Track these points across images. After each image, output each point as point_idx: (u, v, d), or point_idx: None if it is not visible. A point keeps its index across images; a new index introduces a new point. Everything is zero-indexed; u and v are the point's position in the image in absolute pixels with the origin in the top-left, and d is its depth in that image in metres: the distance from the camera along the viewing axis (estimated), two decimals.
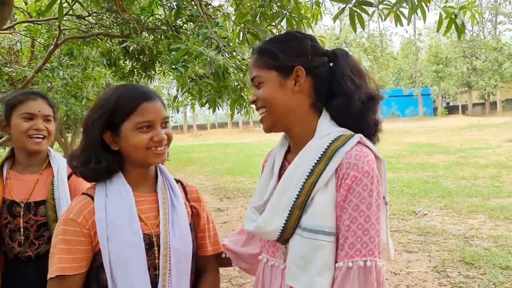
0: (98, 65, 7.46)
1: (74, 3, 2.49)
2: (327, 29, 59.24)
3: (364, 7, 2.33)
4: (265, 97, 1.21)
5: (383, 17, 2.49)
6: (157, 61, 6.40)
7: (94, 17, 6.22)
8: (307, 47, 1.23)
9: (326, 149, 1.16)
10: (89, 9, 5.45)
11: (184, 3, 3.82)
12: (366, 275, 1.07)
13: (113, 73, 7.01)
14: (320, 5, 3.59)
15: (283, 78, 1.21)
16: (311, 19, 3.01)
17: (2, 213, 1.70)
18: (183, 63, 3.35)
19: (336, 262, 1.12)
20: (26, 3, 6.84)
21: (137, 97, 1.26)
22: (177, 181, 1.44)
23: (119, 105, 1.25)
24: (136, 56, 6.32)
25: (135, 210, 1.26)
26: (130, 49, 5.66)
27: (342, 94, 1.21)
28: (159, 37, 5.88)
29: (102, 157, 1.26)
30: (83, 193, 1.30)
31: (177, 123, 68.72)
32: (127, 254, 1.21)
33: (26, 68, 6.60)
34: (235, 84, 3.63)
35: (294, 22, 2.75)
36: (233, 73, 3.46)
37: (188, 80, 3.48)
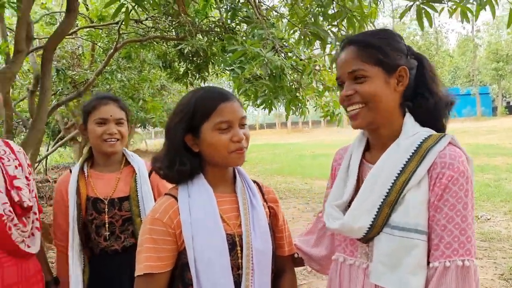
0: (154, 67, 7.68)
1: (137, 8, 2.58)
2: (378, 27, 57.90)
3: (432, 3, 2.23)
4: (369, 92, 1.17)
5: (448, 14, 2.38)
6: (210, 63, 6.51)
7: (151, 21, 6.41)
8: (404, 47, 1.23)
9: (417, 148, 1.15)
10: (147, 13, 5.62)
11: (240, 4, 3.84)
12: (464, 274, 1.05)
13: (168, 75, 7.19)
14: (378, 3, 3.50)
15: (388, 75, 1.19)
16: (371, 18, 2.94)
17: (87, 210, 1.80)
18: (239, 64, 3.37)
19: (428, 262, 1.10)
20: (87, 9, 7.16)
21: (215, 98, 1.28)
22: (254, 181, 1.45)
23: (198, 107, 1.27)
24: (191, 58, 6.46)
25: (218, 210, 1.28)
26: (185, 51, 5.78)
27: (428, 96, 1.21)
28: (212, 39, 5.96)
29: (185, 159, 1.29)
30: (166, 194, 1.34)
31: None
32: (211, 253, 1.23)
33: (88, 71, 6.91)
34: (290, 84, 3.62)
35: (356, 21, 2.69)
36: (289, 73, 3.45)
37: (244, 81, 3.51)
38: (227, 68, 3.73)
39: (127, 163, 1.91)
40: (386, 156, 1.19)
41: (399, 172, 1.14)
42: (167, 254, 1.24)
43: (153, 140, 40.53)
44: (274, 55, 3.13)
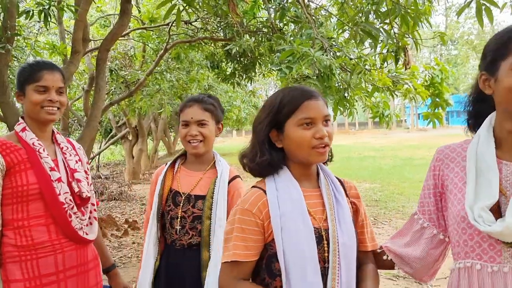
0: (202, 67, 7.81)
1: (188, 9, 2.63)
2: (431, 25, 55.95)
3: None
4: None
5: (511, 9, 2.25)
6: (257, 63, 6.53)
7: (199, 22, 6.52)
8: None
9: None
10: (197, 14, 5.72)
11: (289, 4, 3.83)
12: None
13: (216, 75, 7.28)
14: (433, 0, 3.38)
15: None
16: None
17: (167, 201, 1.91)
18: (287, 64, 3.36)
19: None
20: (139, 11, 7.38)
21: (300, 96, 1.32)
22: (336, 178, 1.47)
23: (284, 104, 1.32)
24: (238, 58, 6.52)
25: (305, 204, 1.31)
26: (233, 51, 5.83)
27: None
28: (260, 39, 5.98)
29: (271, 153, 1.34)
30: (253, 186, 1.39)
31: None
32: (299, 246, 1.25)
33: (139, 71, 7.12)
34: (339, 84, 3.56)
35: (410, 19, 2.59)
36: (338, 73, 3.39)
37: (292, 81, 3.48)
38: (275, 68, 3.71)
39: (214, 165, 1.99)
40: None
41: None
42: (254, 245, 1.28)
43: None
44: (323, 54, 3.09)
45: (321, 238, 1.29)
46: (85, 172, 1.86)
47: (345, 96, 3.64)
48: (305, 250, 1.24)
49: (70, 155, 1.79)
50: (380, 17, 2.82)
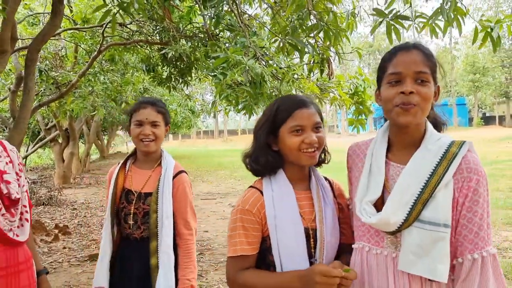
0: (137, 70, 7.74)
1: (122, 13, 2.67)
2: (360, 36, 58.77)
3: (400, 20, 2.41)
4: (427, 95, 1.34)
5: (418, 29, 2.55)
6: (193, 68, 6.61)
7: (135, 25, 6.47)
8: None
9: (444, 152, 1.34)
10: (132, 17, 5.70)
11: (224, 12, 3.97)
12: (493, 262, 1.28)
13: (151, 79, 7.25)
14: (356, 15, 3.67)
15: (433, 88, 1.38)
16: (347, 30, 3.10)
17: (120, 199, 2.07)
18: (222, 71, 3.50)
19: (457, 254, 1.31)
20: (71, 11, 7.18)
21: (293, 105, 1.50)
22: (326, 178, 1.65)
23: (278, 112, 1.50)
24: (174, 62, 6.55)
25: (297, 206, 1.49)
26: (169, 55, 5.85)
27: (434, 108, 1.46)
28: (196, 44, 6.07)
29: (268, 155, 1.52)
30: (251, 186, 1.57)
31: (208, 128, 69.50)
32: (291, 242, 1.45)
33: (71, 72, 6.92)
34: (270, 91, 3.75)
35: (332, 34, 2.85)
36: (269, 81, 3.58)
37: (226, 87, 3.63)
38: (210, 74, 3.84)
39: (160, 163, 2.13)
40: (418, 158, 1.36)
41: (430, 173, 1.32)
42: (255, 240, 1.48)
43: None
44: (255, 62, 3.26)
45: (309, 237, 1.48)
46: (17, 173, 1.83)
47: None
48: (294, 246, 1.45)
49: (0, 157, 1.78)
50: (305, 31, 3.06)
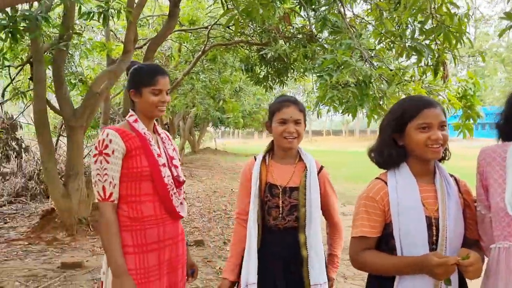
0: (235, 70, 8.06)
1: (246, 19, 2.87)
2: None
3: None
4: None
5: None
6: (290, 68, 6.74)
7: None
8: None
9: None
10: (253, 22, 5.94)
11: (330, 14, 4.04)
12: None
13: (249, 78, 7.52)
14: (470, 17, 3.54)
15: None
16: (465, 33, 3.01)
17: (265, 192, 2.17)
18: (328, 72, 3.57)
19: None
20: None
21: (421, 104, 1.61)
22: (451, 175, 1.73)
23: (406, 110, 1.62)
24: (272, 62, 6.73)
25: (419, 195, 1.59)
26: (268, 56, 6.05)
27: None
28: (295, 45, 6.18)
29: (392, 149, 1.64)
30: (377, 178, 1.69)
31: None
32: (412, 228, 1.55)
33: (177, 71, 7.43)
34: (375, 93, 3.75)
35: (452, 37, 2.79)
36: (375, 82, 3.59)
37: (331, 87, 3.69)
38: (316, 74, 3.93)
39: (301, 159, 2.23)
40: None
41: None
42: (376, 224, 1.61)
43: (220, 140, 41.62)
44: (363, 64, 3.30)
45: (431, 225, 1.56)
46: (179, 159, 2.17)
47: (380, 105, 3.82)
48: (416, 232, 1.54)
49: (168, 144, 2.11)
50: (425, 34, 3.01)
